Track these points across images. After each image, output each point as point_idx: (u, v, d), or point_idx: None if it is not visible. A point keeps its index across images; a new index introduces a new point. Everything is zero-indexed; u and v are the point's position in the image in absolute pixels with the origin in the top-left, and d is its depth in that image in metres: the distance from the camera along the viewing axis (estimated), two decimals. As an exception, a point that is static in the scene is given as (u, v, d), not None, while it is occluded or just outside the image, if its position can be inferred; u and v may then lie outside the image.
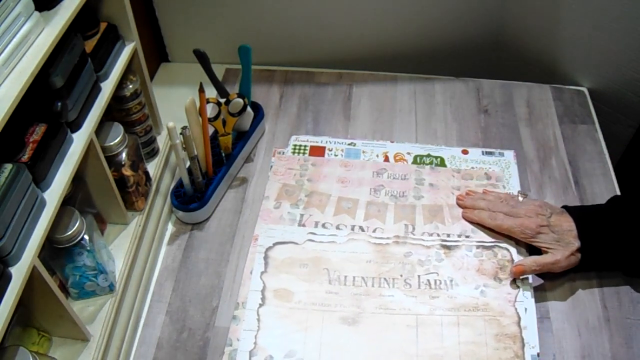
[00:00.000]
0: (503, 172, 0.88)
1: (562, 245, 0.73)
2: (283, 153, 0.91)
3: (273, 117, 0.98)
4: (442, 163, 0.90)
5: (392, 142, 0.93)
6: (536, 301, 0.73)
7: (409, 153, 0.91)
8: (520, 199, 0.81)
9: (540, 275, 0.76)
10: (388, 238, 0.79)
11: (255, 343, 0.70)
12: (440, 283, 0.75)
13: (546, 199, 0.85)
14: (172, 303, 0.75)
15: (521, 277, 0.74)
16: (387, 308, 0.73)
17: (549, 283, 0.76)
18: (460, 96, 1.01)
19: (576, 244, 0.73)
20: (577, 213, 0.76)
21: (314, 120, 0.97)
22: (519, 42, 1.08)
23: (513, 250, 0.77)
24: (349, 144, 0.93)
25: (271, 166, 0.89)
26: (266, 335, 0.70)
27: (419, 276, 0.75)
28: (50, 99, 0.60)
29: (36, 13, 0.55)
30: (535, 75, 1.07)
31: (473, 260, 0.77)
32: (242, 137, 0.89)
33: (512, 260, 0.76)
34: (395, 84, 1.04)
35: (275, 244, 0.79)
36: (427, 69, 1.07)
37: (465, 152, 0.91)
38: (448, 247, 0.78)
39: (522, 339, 0.69)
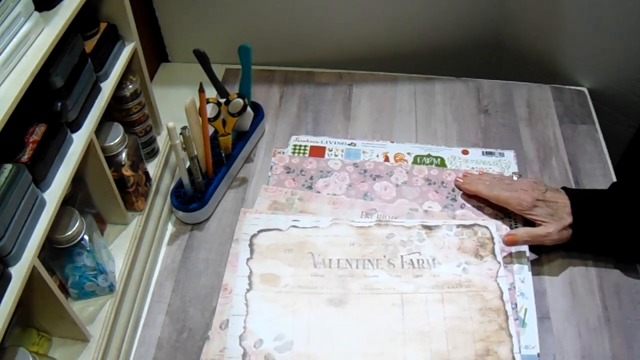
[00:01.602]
0: (503, 172, 0.88)
1: (556, 219, 0.75)
2: (283, 153, 0.91)
3: (273, 117, 0.98)
4: (442, 163, 0.90)
5: (392, 142, 0.93)
6: (536, 301, 0.73)
7: (409, 153, 0.91)
8: (515, 178, 0.84)
9: (539, 273, 0.76)
10: (370, 221, 0.80)
11: (244, 327, 0.71)
12: (423, 262, 0.76)
13: (546, 199, 0.85)
14: (172, 303, 0.75)
15: (513, 246, 0.77)
16: (373, 288, 0.74)
17: (549, 283, 0.76)
18: (460, 96, 1.01)
19: (569, 219, 0.74)
20: (574, 192, 0.78)
21: (314, 120, 0.97)
22: (519, 42, 1.08)
23: (493, 228, 0.79)
24: (349, 144, 0.93)
25: (271, 166, 0.89)
26: (255, 319, 0.71)
27: (402, 256, 0.77)
28: (50, 99, 0.60)
29: (36, 13, 0.55)
30: (535, 75, 1.07)
31: (454, 239, 0.78)
32: (242, 137, 0.89)
33: (492, 237, 0.78)
34: (395, 84, 1.04)
35: (259, 232, 0.80)
36: (427, 69, 1.07)
37: (465, 152, 0.91)
38: (429, 228, 0.79)
39: (506, 312, 0.71)
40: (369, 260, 0.76)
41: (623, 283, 0.75)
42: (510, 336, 0.69)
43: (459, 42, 1.09)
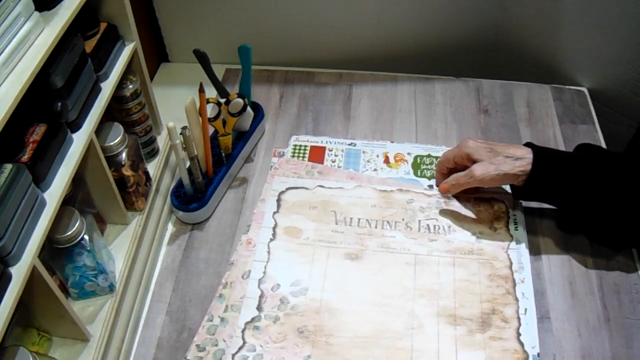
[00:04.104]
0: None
1: (489, 156, 0.75)
2: (283, 153, 0.91)
3: (273, 117, 0.98)
4: (442, 163, 0.90)
5: (392, 142, 0.93)
6: (536, 301, 0.73)
7: (409, 153, 0.91)
8: None
9: (538, 271, 0.76)
10: (392, 187, 0.85)
11: (264, 272, 0.76)
12: (439, 228, 0.80)
13: (546, 199, 0.85)
14: (172, 303, 0.75)
15: (450, 193, 0.82)
16: (389, 247, 0.78)
17: (549, 283, 0.76)
18: (460, 96, 1.01)
19: (503, 155, 0.74)
20: (539, 149, 0.75)
21: (314, 120, 0.97)
22: (519, 42, 1.08)
23: (509, 203, 0.83)
24: (349, 144, 0.93)
25: (271, 166, 0.89)
26: (275, 266, 0.77)
27: (419, 221, 0.81)
28: (50, 99, 0.60)
29: (36, 13, 0.55)
30: (535, 75, 1.07)
31: (471, 210, 0.82)
32: (242, 137, 0.89)
33: (507, 211, 0.82)
34: (395, 84, 1.04)
35: (287, 189, 0.85)
36: (427, 69, 1.07)
37: (465, 152, 0.91)
38: (448, 197, 0.84)
39: (514, 280, 0.75)
40: (388, 222, 0.81)
41: (623, 283, 0.75)
42: (517, 300, 0.72)
43: (459, 42, 1.09)
